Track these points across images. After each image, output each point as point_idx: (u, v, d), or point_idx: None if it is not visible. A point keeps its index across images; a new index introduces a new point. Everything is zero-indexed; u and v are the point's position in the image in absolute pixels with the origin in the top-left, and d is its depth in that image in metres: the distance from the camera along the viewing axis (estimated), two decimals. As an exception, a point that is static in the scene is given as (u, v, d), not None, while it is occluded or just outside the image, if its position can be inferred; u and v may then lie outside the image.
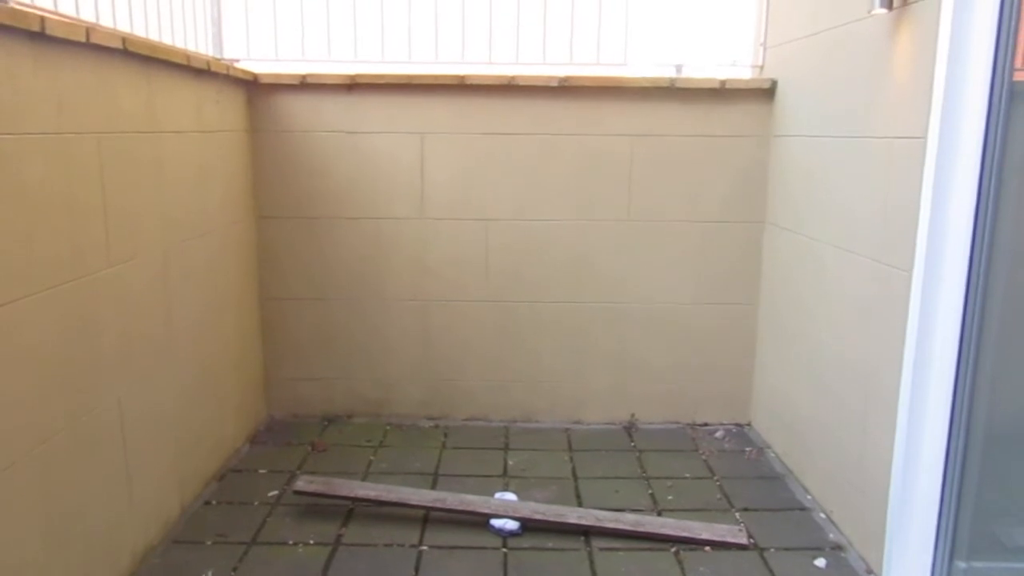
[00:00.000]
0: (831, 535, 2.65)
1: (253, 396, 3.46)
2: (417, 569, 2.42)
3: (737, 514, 2.80)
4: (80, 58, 2.04)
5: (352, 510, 2.76)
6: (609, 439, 3.45)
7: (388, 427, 3.54)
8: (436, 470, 3.11)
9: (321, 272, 3.51)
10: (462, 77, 3.33)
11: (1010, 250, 2.05)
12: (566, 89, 3.35)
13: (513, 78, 3.33)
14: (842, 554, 2.54)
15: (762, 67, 3.45)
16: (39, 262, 1.88)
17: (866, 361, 2.48)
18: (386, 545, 2.56)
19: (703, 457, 3.27)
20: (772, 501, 2.89)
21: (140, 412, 2.39)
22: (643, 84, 3.34)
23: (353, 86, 3.35)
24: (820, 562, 2.49)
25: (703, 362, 3.57)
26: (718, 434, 3.51)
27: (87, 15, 2.30)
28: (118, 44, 2.20)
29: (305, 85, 3.34)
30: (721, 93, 3.35)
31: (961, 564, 2.21)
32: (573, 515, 2.67)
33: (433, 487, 2.96)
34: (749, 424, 3.61)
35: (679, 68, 3.44)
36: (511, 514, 2.66)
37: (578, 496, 2.92)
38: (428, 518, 2.72)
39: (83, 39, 2.02)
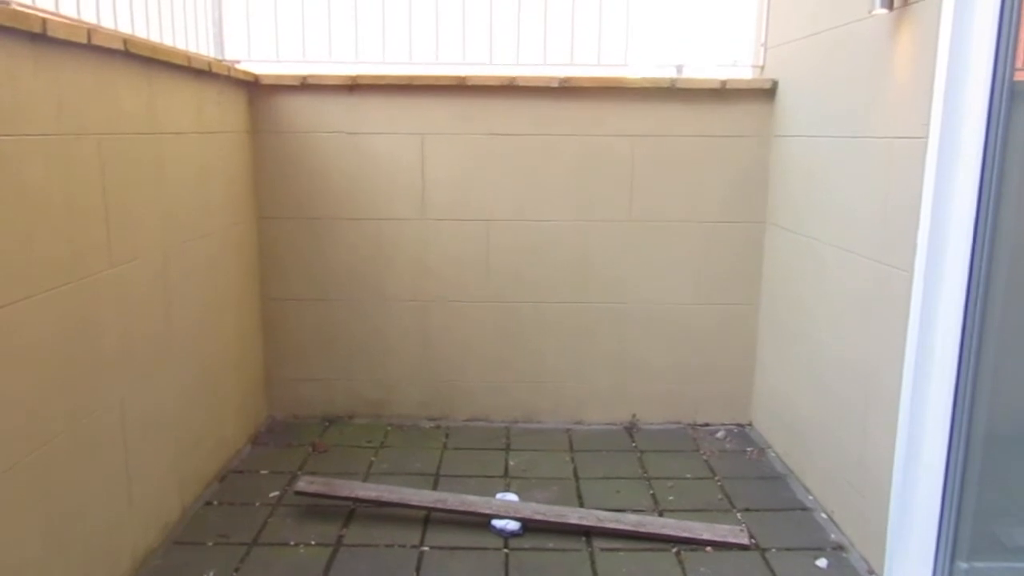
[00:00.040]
0: (832, 535, 2.64)
1: (254, 397, 3.47)
2: (418, 570, 2.42)
3: (738, 514, 2.79)
4: (81, 59, 2.04)
5: (353, 511, 2.76)
6: (610, 439, 3.45)
7: (389, 428, 3.54)
8: (437, 471, 3.11)
9: (322, 272, 3.51)
10: (463, 78, 3.33)
11: (1011, 250, 2.05)
12: (567, 90, 3.35)
13: (514, 79, 3.33)
14: (843, 554, 2.53)
15: (763, 67, 3.45)
16: (40, 263, 1.88)
17: (867, 361, 2.48)
18: (387, 546, 2.56)
19: (704, 457, 3.27)
20: (773, 501, 2.89)
21: (141, 413, 2.39)
22: (644, 84, 3.34)
23: (354, 87, 3.35)
24: (822, 562, 2.48)
25: (704, 362, 3.57)
26: (719, 434, 3.51)
27: (88, 16, 2.30)
28: (119, 45, 2.20)
29: (306, 86, 3.34)
30: (722, 93, 3.35)
31: (962, 564, 2.21)
32: (574, 515, 2.67)
33: (434, 488, 2.96)
34: (750, 424, 3.60)
35: (680, 68, 3.44)
36: (512, 514, 2.66)
37: (579, 496, 2.92)
38: (429, 519, 2.72)
39: (84, 40, 2.02)
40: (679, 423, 3.62)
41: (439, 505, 2.70)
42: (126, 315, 2.30)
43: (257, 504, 2.82)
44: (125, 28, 2.53)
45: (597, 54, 3.45)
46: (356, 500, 2.76)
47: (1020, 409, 2.23)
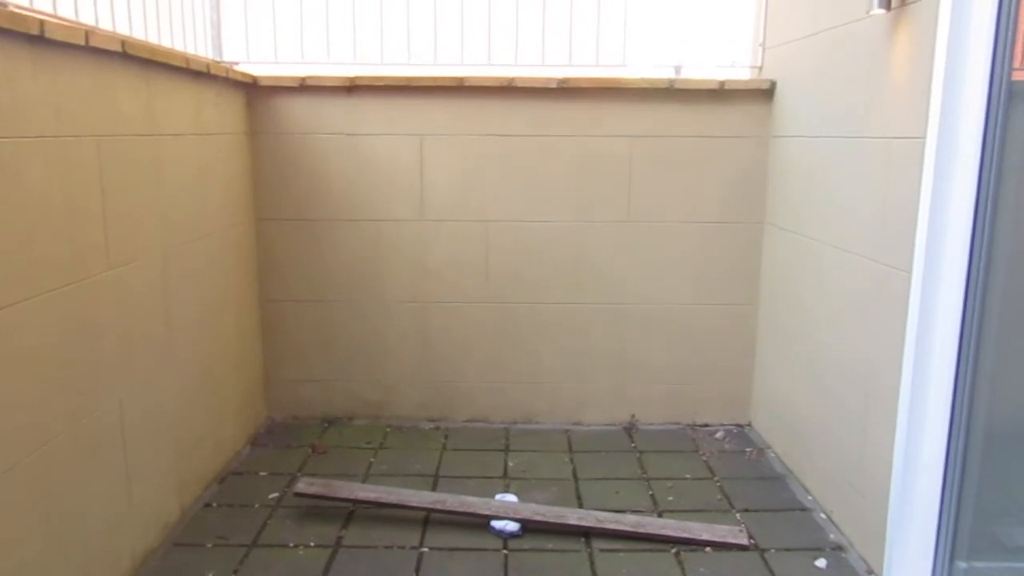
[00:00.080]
0: (832, 535, 2.64)
1: (253, 398, 3.47)
2: (418, 571, 2.42)
3: (738, 515, 2.79)
4: (79, 61, 2.04)
5: (353, 512, 2.76)
6: (609, 440, 3.45)
7: (388, 429, 3.54)
8: (436, 472, 3.11)
9: (321, 274, 3.51)
10: (461, 79, 3.33)
11: (1009, 250, 2.05)
12: (565, 90, 3.35)
13: (512, 79, 3.33)
14: (843, 554, 2.53)
15: (761, 68, 3.45)
16: (39, 265, 1.88)
17: (866, 361, 2.48)
18: (387, 547, 2.55)
19: (703, 458, 3.27)
20: (773, 502, 2.89)
21: (140, 414, 2.39)
22: (642, 85, 3.34)
23: (352, 88, 3.35)
24: (821, 562, 2.48)
25: (703, 363, 3.57)
26: (718, 435, 3.51)
27: (86, 18, 2.31)
28: (117, 47, 2.20)
29: (304, 87, 3.34)
30: (720, 94, 3.35)
31: (961, 564, 2.21)
32: (574, 516, 2.67)
33: (433, 489, 2.96)
34: (749, 425, 3.61)
35: (678, 69, 3.44)
36: (512, 515, 2.66)
37: (579, 497, 2.92)
38: (429, 520, 2.72)
39: (82, 42, 2.02)
40: (678, 423, 3.62)
41: (438, 506, 2.70)
42: (125, 316, 2.30)
43: (256, 505, 2.82)
44: (123, 30, 2.53)
45: (595, 54, 3.45)
46: (355, 501, 2.76)
47: (1019, 408, 2.23)
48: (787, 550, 2.56)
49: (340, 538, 2.61)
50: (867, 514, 2.46)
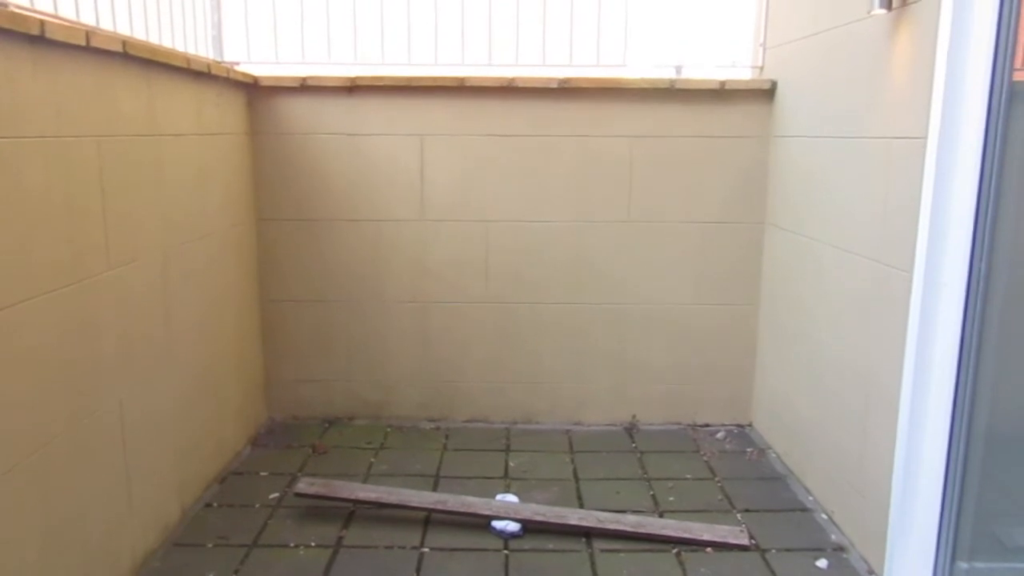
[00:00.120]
0: (832, 536, 2.64)
1: (253, 398, 3.46)
2: (418, 571, 2.42)
3: (738, 515, 2.79)
4: (80, 61, 2.04)
5: (353, 512, 2.76)
6: (610, 440, 3.45)
7: (389, 429, 3.54)
8: (437, 472, 3.11)
9: (321, 274, 3.51)
10: (462, 79, 3.33)
11: (1010, 250, 2.05)
12: (566, 90, 3.35)
13: (513, 80, 3.33)
14: (844, 555, 2.53)
15: (762, 68, 3.45)
16: (39, 265, 1.88)
17: (866, 362, 2.48)
18: (387, 547, 2.55)
19: (704, 458, 3.27)
20: (773, 502, 2.89)
21: (140, 415, 2.39)
22: (643, 85, 3.34)
23: (353, 88, 3.35)
24: (822, 563, 2.48)
25: (704, 363, 3.57)
26: (719, 435, 3.50)
27: (87, 18, 2.30)
28: (118, 47, 2.20)
29: (305, 88, 3.34)
30: (721, 94, 3.35)
31: (962, 564, 2.21)
32: (574, 516, 2.67)
33: (434, 489, 2.96)
34: (750, 425, 3.60)
35: (679, 69, 3.44)
36: (512, 516, 2.65)
37: (579, 497, 2.92)
38: (429, 520, 2.72)
39: (83, 43, 2.02)
40: (679, 424, 3.62)
41: (439, 506, 2.70)
42: (125, 317, 2.30)
43: (257, 506, 2.82)
44: (124, 30, 2.53)
45: (596, 55, 3.45)
46: (356, 502, 2.76)
47: (1020, 409, 2.23)
48: (788, 550, 2.56)
49: (341, 538, 2.61)
50: (868, 514, 2.46)
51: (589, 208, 3.45)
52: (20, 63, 1.81)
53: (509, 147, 3.41)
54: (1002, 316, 2.08)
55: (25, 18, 1.80)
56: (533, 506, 2.74)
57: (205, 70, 2.82)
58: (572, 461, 3.23)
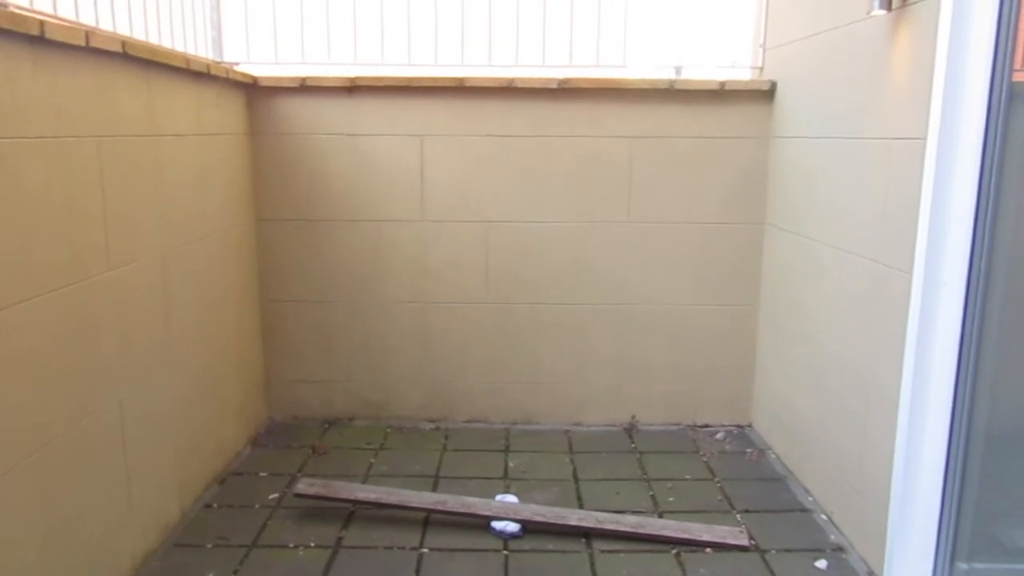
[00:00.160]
0: (832, 536, 2.64)
1: (253, 399, 3.46)
2: (418, 571, 2.42)
3: (738, 515, 2.79)
4: (80, 62, 2.04)
5: (353, 513, 2.76)
6: (610, 441, 3.45)
7: (388, 429, 3.54)
8: (437, 472, 3.11)
9: (321, 274, 3.51)
10: (461, 79, 3.33)
11: (1010, 251, 2.05)
12: (565, 91, 3.35)
13: (512, 80, 3.33)
14: (843, 555, 2.53)
15: (761, 68, 3.45)
16: (39, 266, 1.88)
17: (866, 362, 2.48)
18: (387, 548, 2.55)
19: (704, 459, 3.27)
20: (773, 502, 2.89)
21: (140, 415, 2.39)
22: (642, 86, 3.34)
23: (353, 89, 3.35)
24: (821, 563, 2.48)
25: (703, 363, 3.57)
26: (719, 435, 3.50)
27: (87, 19, 2.30)
28: (118, 48, 2.20)
29: (305, 88, 3.34)
30: (720, 94, 3.35)
31: (962, 565, 2.21)
32: (574, 517, 2.67)
33: (434, 489, 2.96)
34: (750, 425, 3.60)
35: (678, 70, 3.44)
36: (512, 516, 2.65)
37: (579, 498, 2.92)
38: (429, 520, 2.72)
39: (83, 43, 2.02)
40: (679, 424, 3.62)
41: (439, 507, 2.70)
42: (125, 317, 2.30)
43: (256, 506, 2.82)
44: (124, 30, 2.53)
45: (596, 55, 3.45)
46: (356, 502, 2.76)
47: (1020, 409, 2.23)
48: (788, 551, 2.56)
49: (340, 539, 2.61)
50: (868, 515, 2.46)
51: (589, 208, 3.45)
52: (20, 63, 1.81)
53: (509, 147, 3.41)
54: (1002, 316, 2.08)
55: (25, 18, 1.80)
56: (533, 507, 2.74)
57: (205, 70, 2.82)
58: (572, 461, 3.23)
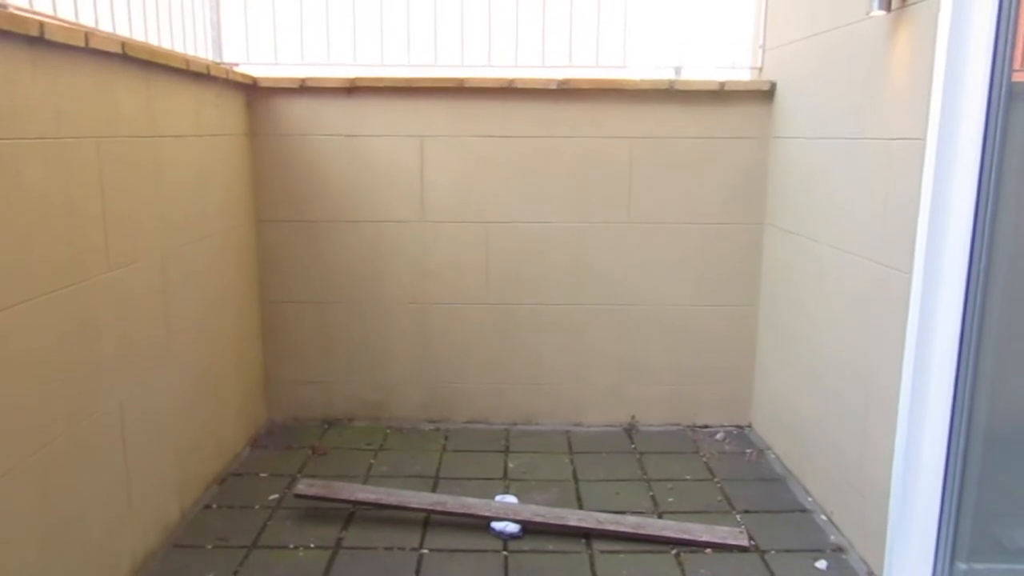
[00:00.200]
0: (832, 537, 2.64)
1: (253, 399, 3.46)
2: (418, 572, 2.42)
3: (738, 516, 2.79)
4: (79, 62, 2.04)
5: (353, 513, 2.76)
6: (609, 441, 3.45)
7: (388, 430, 3.54)
8: (437, 473, 3.11)
9: (321, 275, 3.51)
10: (461, 80, 3.33)
11: (1010, 251, 2.05)
12: (565, 91, 3.35)
13: (512, 81, 3.33)
14: (843, 556, 2.53)
15: (761, 69, 3.45)
16: (38, 266, 1.88)
17: (866, 362, 2.48)
18: (387, 548, 2.55)
19: (704, 459, 3.27)
20: (773, 503, 2.89)
21: (140, 416, 2.39)
22: (642, 86, 3.35)
23: (352, 89, 3.35)
24: (821, 564, 2.48)
25: (703, 364, 3.57)
26: (718, 436, 3.50)
27: (86, 19, 2.30)
28: (117, 48, 2.21)
29: (304, 89, 3.34)
30: (720, 95, 3.35)
31: (962, 565, 2.20)
32: (574, 517, 2.67)
33: (434, 490, 2.96)
34: (750, 426, 3.60)
35: (678, 70, 3.44)
36: (512, 517, 2.65)
37: (579, 498, 2.92)
38: (429, 521, 2.72)
39: (82, 44, 2.02)
40: (678, 425, 3.62)
41: (438, 507, 2.70)
42: (125, 318, 2.30)
43: (256, 507, 2.82)
44: (123, 31, 2.53)
45: (595, 55, 3.45)
46: (355, 503, 2.76)
47: (1019, 409, 2.23)
48: (787, 551, 2.56)
49: (340, 539, 2.61)
50: (867, 515, 2.45)
51: (589, 209, 3.45)
52: (19, 64, 1.81)
53: (509, 148, 3.41)
54: (1001, 317, 2.08)
55: (24, 19, 1.80)
56: (533, 507, 2.74)
57: (204, 71, 2.82)
58: (571, 462, 3.23)
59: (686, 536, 2.59)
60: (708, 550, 2.56)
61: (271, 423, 3.60)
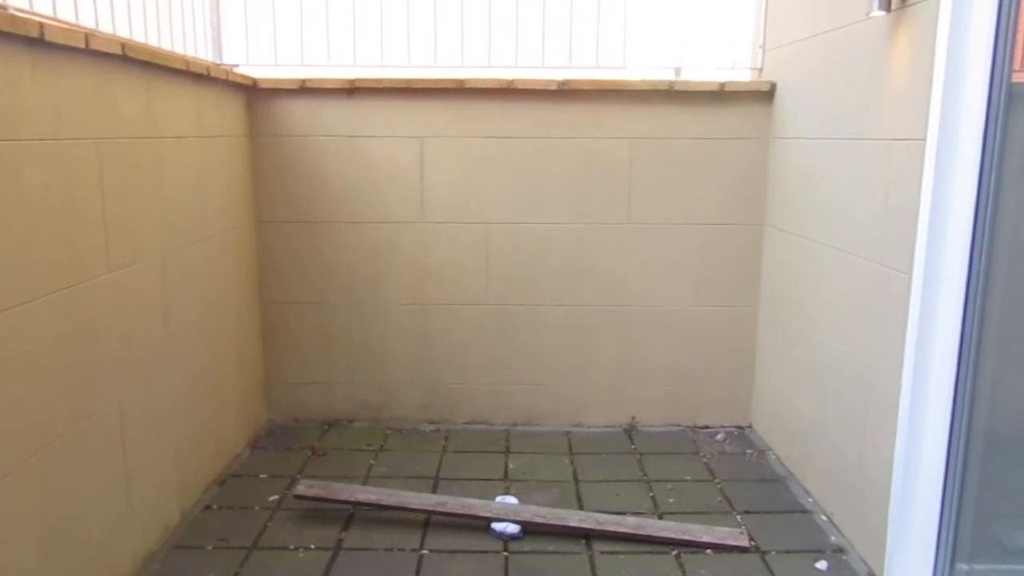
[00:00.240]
0: (832, 537, 2.64)
1: (253, 400, 3.46)
2: (418, 573, 2.42)
3: (738, 517, 2.79)
4: (79, 64, 2.04)
5: (353, 514, 2.76)
6: (610, 442, 3.45)
7: (388, 431, 3.54)
8: (437, 474, 3.11)
9: (321, 276, 3.51)
10: (461, 81, 3.33)
11: (1010, 251, 2.05)
12: (565, 92, 3.35)
13: (512, 81, 3.33)
14: (843, 556, 2.53)
15: (761, 69, 3.45)
16: (38, 267, 1.88)
17: (866, 363, 2.48)
18: (387, 549, 2.55)
19: (704, 460, 3.27)
20: (773, 504, 2.89)
21: (140, 417, 2.39)
22: (642, 87, 3.35)
23: (352, 90, 3.35)
24: (821, 564, 2.48)
25: (703, 364, 3.57)
26: (719, 436, 3.50)
27: (86, 21, 2.31)
28: (117, 50, 2.21)
29: (304, 90, 3.34)
30: (720, 95, 3.35)
31: (962, 566, 2.20)
32: (574, 518, 2.67)
33: (434, 491, 2.96)
34: (750, 426, 3.60)
35: (678, 71, 3.44)
36: (512, 517, 2.65)
37: (579, 499, 2.91)
38: (429, 522, 2.72)
39: (82, 45, 2.02)
40: (679, 425, 3.62)
41: (439, 508, 2.70)
42: (125, 319, 2.30)
43: (256, 508, 2.82)
44: (123, 32, 2.53)
45: (595, 56, 3.45)
46: (356, 504, 2.76)
47: (1020, 410, 2.23)
48: (788, 552, 2.56)
49: (340, 540, 2.60)
50: (868, 516, 2.45)
51: (589, 210, 3.45)
52: (19, 65, 1.81)
53: (509, 149, 3.41)
54: (1002, 317, 2.08)
55: (24, 20, 1.80)
56: (533, 508, 2.74)
57: (204, 72, 2.82)
58: (572, 463, 3.23)
59: (686, 537, 2.59)
60: (708, 551, 2.56)
61: (271, 424, 3.60)
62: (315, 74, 3.36)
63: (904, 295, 2.21)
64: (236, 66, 3.35)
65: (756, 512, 2.82)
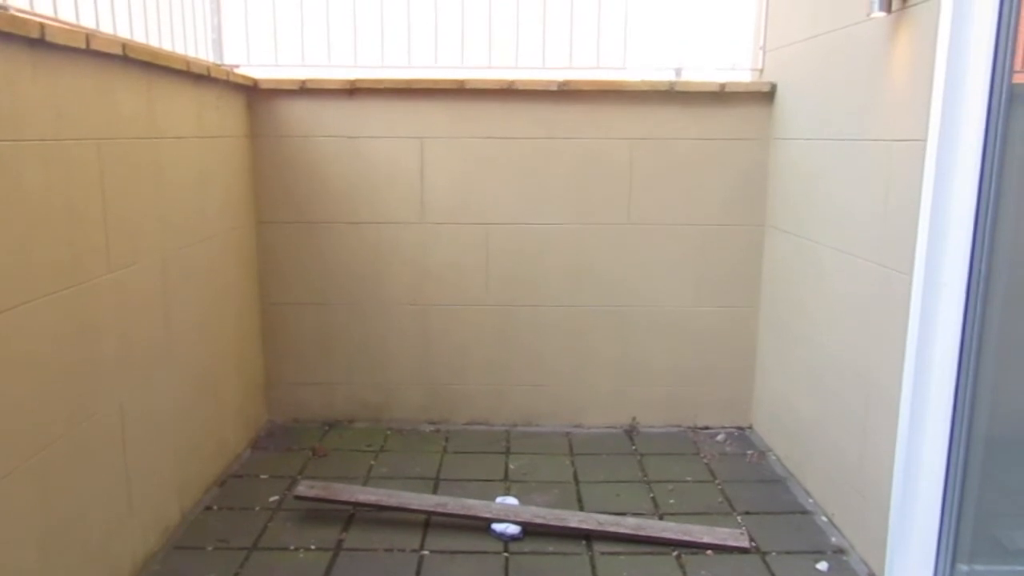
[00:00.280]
0: (833, 538, 2.64)
1: (254, 401, 3.46)
2: (418, 573, 2.42)
3: (739, 517, 2.79)
4: (80, 64, 2.04)
5: (353, 515, 2.76)
6: (610, 443, 3.45)
7: (389, 432, 3.54)
8: (437, 474, 3.11)
9: (321, 277, 3.51)
10: (462, 81, 3.33)
11: (1010, 252, 2.05)
12: (566, 93, 3.35)
13: (512, 82, 3.33)
14: (844, 557, 2.53)
15: (761, 70, 3.45)
16: (39, 268, 1.88)
17: (867, 364, 2.48)
18: (387, 550, 2.55)
19: (704, 460, 3.27)
20: (774, 504, 2.89)
21: (140, 417, 2.39)
22: (642, 87, 3.35)
23: (353, 91, 3.35)
24: (822, 565, 2.48)
25: (704, 365, 3.57)
26: (719, 437, 3.50)
27: (87, 21, 2.31)
28: (118, 50, 2.21)
29: (305, 90, 3.35)
30: (720, 96, 3.35)
31: (963, 567, 2.20)
32: (574, 519, 2.66)
33: (434, 491, 2.96)
34: (750, 427, 3.60)
35: (678, 71, 3.44)
36: (512, 518, 2.65)
37: (579, 500, 2.91)
38: (429, 523, 2.72)
39: (83, 45, 2.02)
40: (679, 426, 3.62)
41: (439, 509, 2.70)
42: (125, 319, 2.30)
43: (257, 508, 2.82)
44: (124, 33, 2.53)
45: (596, 57, 3.45)
46: (356, 504, 2.75)
47: (1020, 411, 2.23)
48: (788, 553, 2.55)
49: (341, 541, 2.60)
50: (868, 517, 2.45)
51: (589, 210, 3.45)
52: (20, 66, 1.81)
53: (509, 149, 3.41)
54: (1002, 318, 2.08)
55: (25, 21, 1.80)
56: (533, 508, 2.73)
57: (205, 73, 2.82)
58: (572, 463, 3.23)
59: (687, 538, 2.59)
60: (709, 551, 2.56)
61: (271, 424, 3.60)
62: (315, 75, 3.36)
63: (904, 296, 2.21)
64: (237, 67, 3.35)
65: (756, 513, 2.82)
